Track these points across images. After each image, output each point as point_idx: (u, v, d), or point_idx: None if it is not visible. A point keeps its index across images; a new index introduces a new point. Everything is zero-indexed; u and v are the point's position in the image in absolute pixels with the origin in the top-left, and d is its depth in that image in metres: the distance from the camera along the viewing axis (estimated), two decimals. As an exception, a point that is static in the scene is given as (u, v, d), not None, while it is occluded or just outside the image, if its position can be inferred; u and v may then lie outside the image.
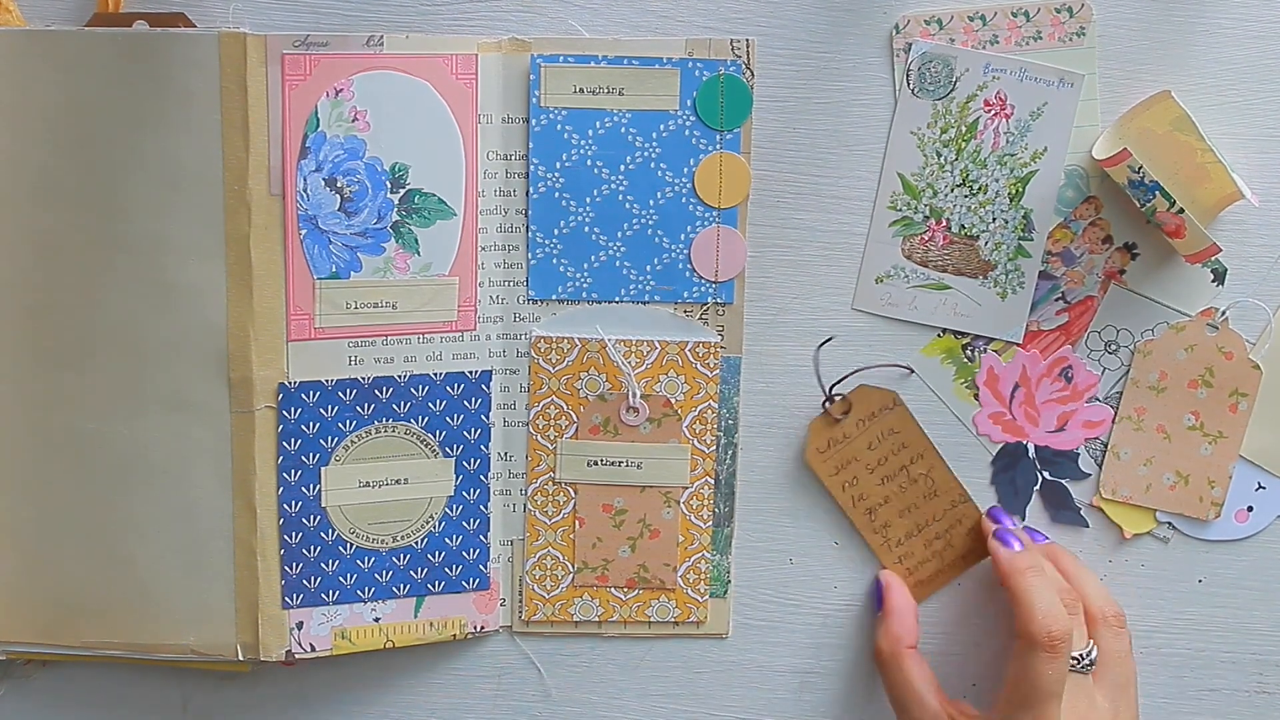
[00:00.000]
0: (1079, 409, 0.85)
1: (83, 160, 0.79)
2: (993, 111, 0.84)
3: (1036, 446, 0.86)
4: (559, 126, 0.83)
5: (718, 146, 0.83)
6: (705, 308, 0.85)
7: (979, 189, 0.85)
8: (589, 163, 0.83)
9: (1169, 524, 0.88)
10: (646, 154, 0.83)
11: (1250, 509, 0.87)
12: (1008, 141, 0.84)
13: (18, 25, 0.80)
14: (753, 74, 0.83)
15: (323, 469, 0.82)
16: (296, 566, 0.82)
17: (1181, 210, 0.79)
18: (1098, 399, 0.85)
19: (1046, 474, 0.86)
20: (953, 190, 0.85)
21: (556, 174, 0.83)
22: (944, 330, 0.86)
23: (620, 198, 0.83)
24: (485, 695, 0.87)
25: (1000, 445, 0.86)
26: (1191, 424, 0.86)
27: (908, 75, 0.84)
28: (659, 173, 0.83)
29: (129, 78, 0.78)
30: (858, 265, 0.85)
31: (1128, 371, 0.86)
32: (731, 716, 0.88)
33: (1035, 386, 0.84)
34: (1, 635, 0.82)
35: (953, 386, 0.86)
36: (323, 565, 0.82)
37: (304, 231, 0.80)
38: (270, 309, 0.81)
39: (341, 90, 0.80)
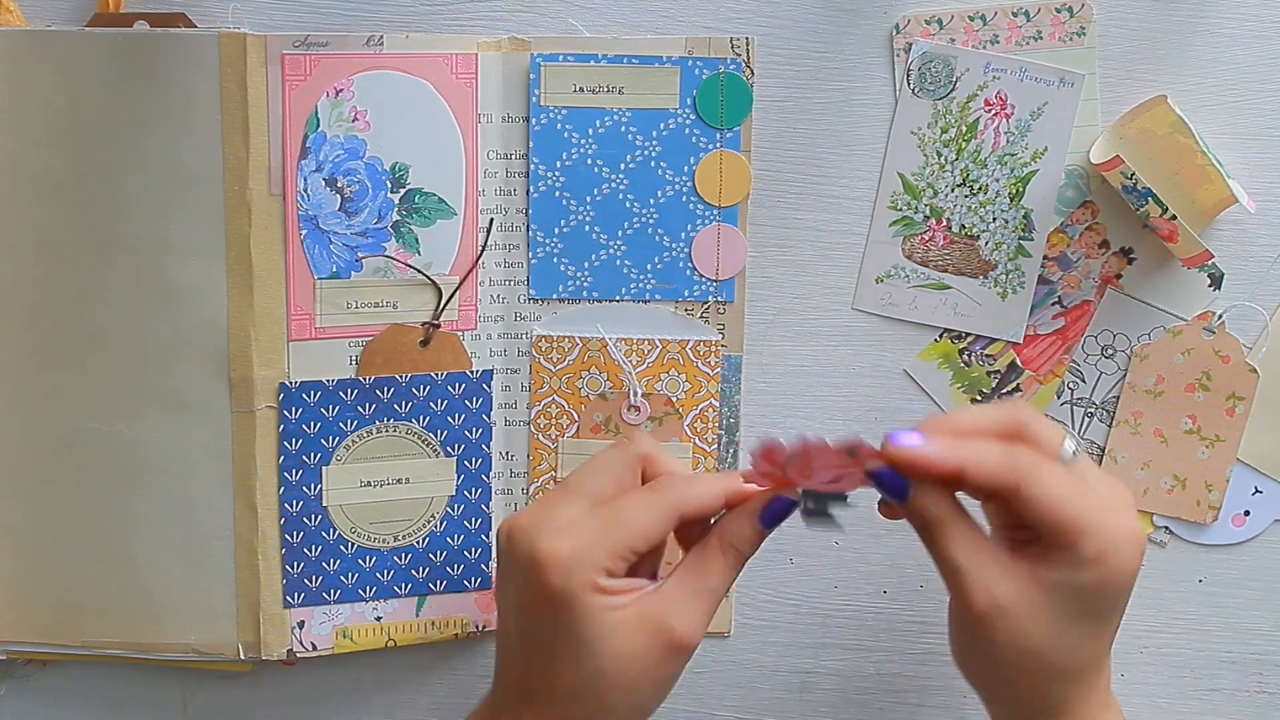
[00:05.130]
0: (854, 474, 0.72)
1: (83, 160, 0.79)
2: (993, 111, 0.84)
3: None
4: (559, 125, 0.83)
5: (718, 145, 0.83)
6: (706, 306, 0.85)
7: (979, 189, 0.85)
8: (589, 162, 0.83)
9: (1166, 528, 0.88)
10: (647, 153, 0.83)
11: (1247, 513, 0.87)
12: (1008, 141, 0.84)
13: (18, 25, 0.80)
14: (753, 72, 0.83)
15: (324, 468, 0.82)
16: (298, 566, 0.82)
17: (1174, 217, 0.80)
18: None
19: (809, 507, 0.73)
20: (953, 190, 0.85)
21: (557, 173, 0.83)
22: (942, 333, 0.86)
23: (620, 196, 0.84)
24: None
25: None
26: (1188, 428, 0.86)
27: (908, 75, 0.84)
28: (659, 171, 0.83)
29: (129, 78, 0.78)
30: (858, 265, 0.86)
31: (1124, 376, 0.86)
32: (731, 716, 0.88)
33: (817, 458, 0.71)
34: (2, 635, 0.82)
35: (950, 391, 0.86)
36: (324, 564, 0.82)
37: (304, 231, 0.81)
38: (271, 309, 0.81)
39: (342, 90, 0.80)
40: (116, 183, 0.79)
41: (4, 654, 0.83)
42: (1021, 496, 0.67)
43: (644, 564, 0.72)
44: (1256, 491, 0.87)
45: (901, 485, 0.69)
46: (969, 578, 0.69)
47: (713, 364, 0.85)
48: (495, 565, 0.76)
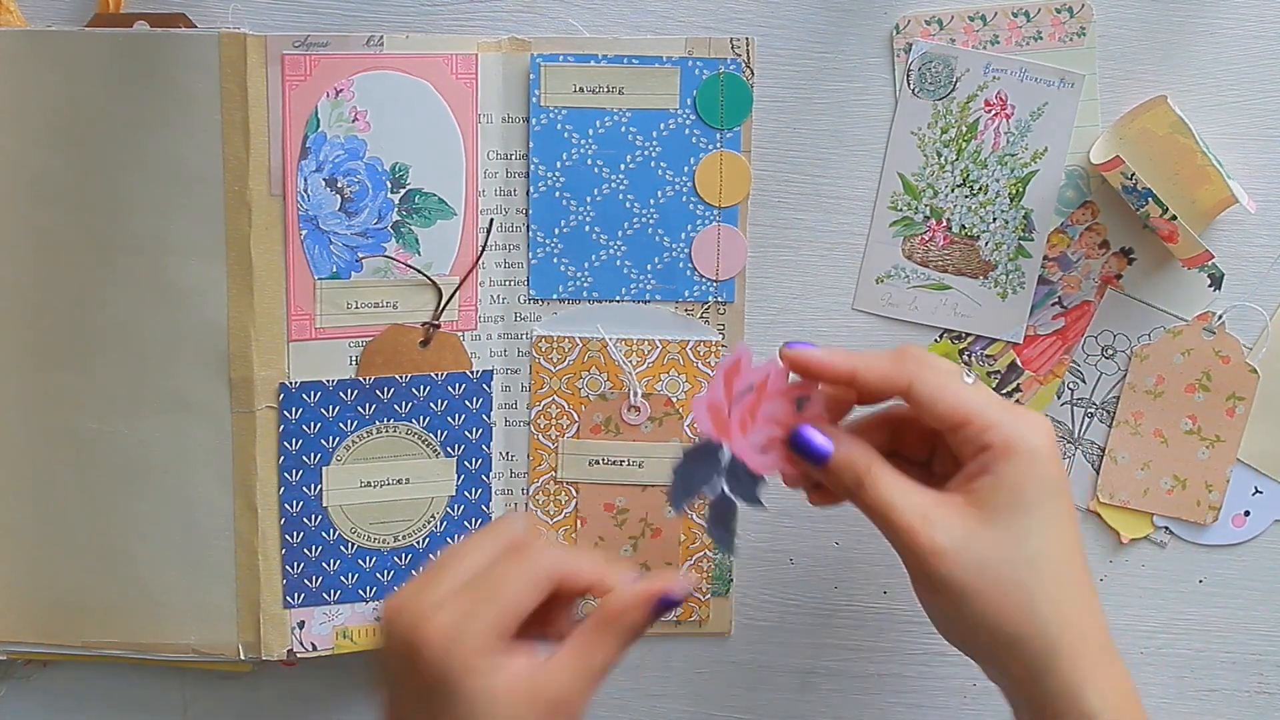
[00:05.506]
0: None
1: (83, 161, 0.79)
2: (993, 111, 0.84)
3: (733, 457, 0.72)
4: (559, 126, 0.83)
5: (718, 145, 0.83)
6: (706, 306, 0.85)
7: (979, 189, 0.85)
8: (589, 162, 0.83)
9: (1166, 528, 0.88)
10: (647, 153, 0.83)
11: (1247, 513, 0.87)
12: (1008, 141, 0.84)
13: (18, 25, 0.80)
14: (753, 72, 0.83)
15: (324, 469, 0.82)
16: (298, 566, 0.82)
17: (1174, 217, 0.80)
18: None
19: (726, 487, 0.72)
20: (953, 190, 0.85)
21: (557, 173, 0.83)
22: (942, 333, 0.86)
23: (620, 197, 0.84)
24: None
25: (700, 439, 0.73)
26: (1189, 428, 0.86)
27: (908, 75, 0.84)
28: (659, 172, 0.83)
29: (129, 78, 0.79)
30: (858, 265, 0.86)
31: (1124, 376, 0.86)
32: (732, 716, 0.88)
33: (767, 398, 0.73)
34: (2, 635, 0.82)
35: (950, 390, 0.86)
36: (324, 565, 0.82)
37: (304, 232, 0.81)
38: (271, 309, 0.81)
39: (342, 90, 0.80)
40: (117, 183, 0.79)
41: (4, 654, 0.83)
42: (915, 395, 0.69)
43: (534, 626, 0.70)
44: (1256, 492, 0.87)
45: (823, 448, 0.70)
46: (907, 518, 0.69)
47: (713, 364, 0.85)
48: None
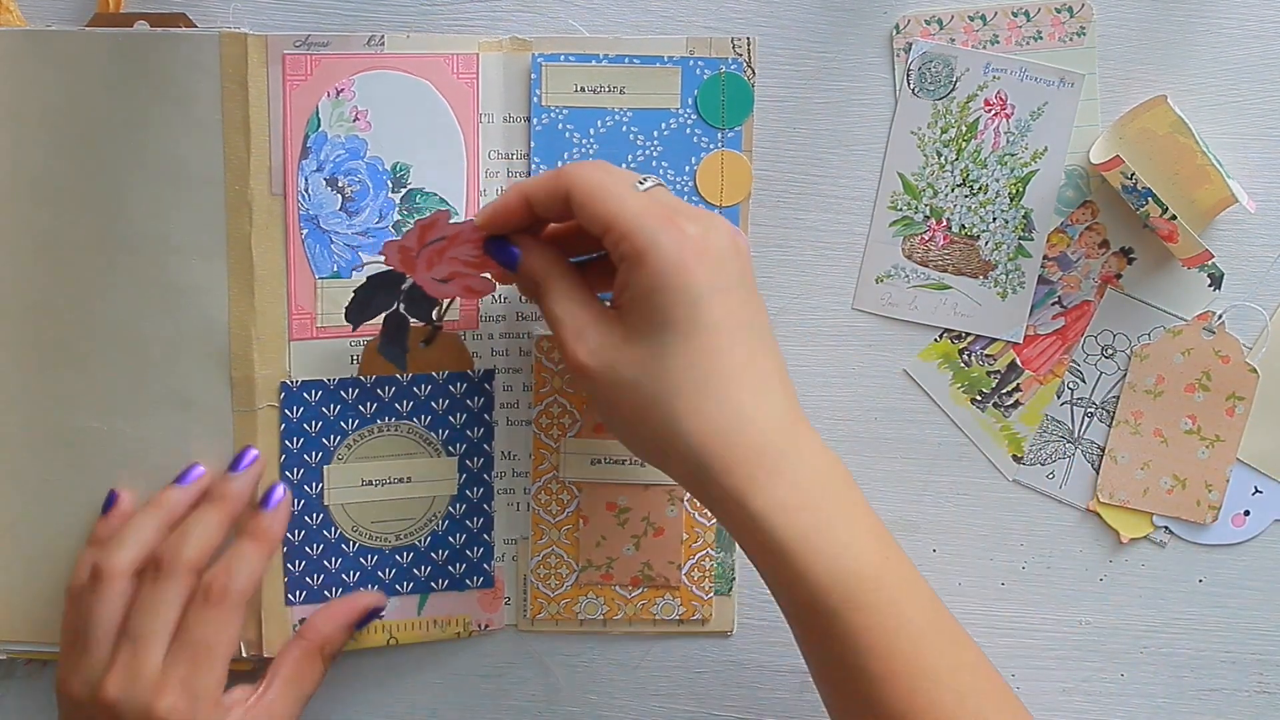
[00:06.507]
0: (471, 277, 0.77)
1: (84, 161, 0.79)
2: (993, 111, 0.84)
3: (414, 284, 0.78)
4: (560, 125, 0.83)
5: (719, 145, 0.83)
6: (707, 305, 0.85)
7: (979, 189, 0.85)
8: (590, 161, 0.83)
9: (1166, 528, 0.88)
10: (648, 152, 0.83)
11: (1247, 513, 0.87)
12: (1008, 141, 0.84)
13: (18, 25, 0.80)
14: (754, 72, 0.83)
15: (325, 468, 0.82)
16: (299, 564, 0.82)
17: (1174, 217, 0.80)
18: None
19: (403, 306, 0.81)
20: (953, 190, 0.85)
21: (558, 173, 0.83)
22: (942, 333, 0.86)
23: (622, 196, 0.83)
24: (486, 695, 0.87)
25: (384, 269, 0.80)
26: (1188, 428, 0.86)
27: (908, 75, 0.84)
28: (660, 171, 0.83)
29: (130, 78, 0.78)
30: (858, 265, 0.86)
31: (1124, 376, 0.86)
32: (732, 716, 0.88)
33: (459, 244, 0.77)
34: (3, 634, 0.82)
35: (950, 391, 0.86)
36: (325, 563, 0.82)
37: (305, 231, 0.81)
38: (272, 308, 0.81)
39: (342, 90, 0.80)
40: (117, 183, 0.79)
41: (5, 654, 0.83)
42: (574, 204, 0.70)
43: None
44: (1256, 491, 0.87)
45: (512, 253, 0.74)
46: (564, 332, 0.71)
47: (714, 363, 0.85)
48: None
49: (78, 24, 0.80)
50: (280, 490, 0.81)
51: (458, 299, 0.81)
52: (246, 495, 0.80)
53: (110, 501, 0.80)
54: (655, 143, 0.83)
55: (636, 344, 0.68)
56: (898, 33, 0.83)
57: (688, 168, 0.83)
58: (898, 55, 0.84)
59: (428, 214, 0.79)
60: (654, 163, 0.83)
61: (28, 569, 0.82)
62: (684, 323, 0.67)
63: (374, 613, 0.83)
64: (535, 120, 0.83)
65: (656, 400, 0.68)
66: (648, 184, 0.71)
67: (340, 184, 0.81)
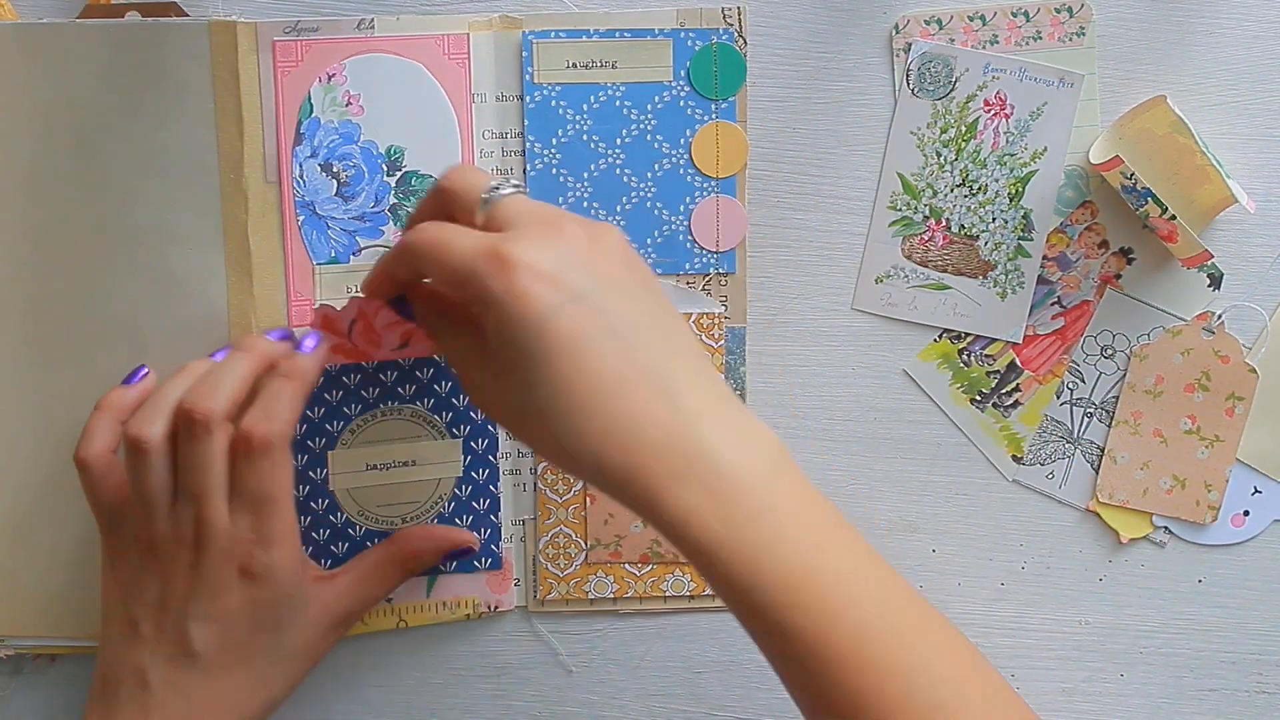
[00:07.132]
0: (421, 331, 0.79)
1: (78, 152, 0.79)
2: (992, 111, 0.82)
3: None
4: (553, 102, 0.81)
5: (713, 116, 0.82)
6: (707, 278, 0.83)
7: (979, 189, 0.83)
8: (585, 137, 0.82)
9: (1165, 528, 0.86)
10: (642, 126, 0.82)
11: (1247, 513, 0.86)
12: (1008, 141, 0.83)
13: (10, 19, 0.80)
14: (745, 42, 0.80)
15: (329, 453, 0.83)
16: (306, 549, 0.83)
17: (1174, 217, 0.78)
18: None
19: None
20: (953, 190, 0.83)
21: (553, 150, 0.82)
22: (942, 333, 0.85)
23: (618, 171, 0.82)
24: (485, 694, 0.87)
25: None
26: (1188, 428, 0.85)
27: (908, 75, 0.82)
28: (655, 145, 0.82)
29: (122, 69, 0.78)
30: (858, 265, 0.84)
31: (1124, 376, 0.85)
32: (731, 716, 0.89)
33: (373, 317, 0.78)
34: (10, 630, 0.83)
35: (949, 391, 0.85)
36: (332, 548, 0.84)
37: (301, 217, 0.81)
38: (271, 295, 0.81)
39: (334, 75, 0.79)
40: (111, 174, 0.79)
41: (12, 649, 0.84)
42: (420, 269, 0.71)
43: None
44: (1256, 491, 0.86)
45: (409, 309, 0.76)
46: (460, 374, 0.73)
47: (717, 336, 0.84)
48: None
49: (69, 17, 0.80)
50: (315, 338, 0.77)
51: None
52: (275, 353, 0.77)
53: (137, 374, 0.79)
54: (649, 116, 0.81)
55: (507, 380, 0.67)
56: (897, 33, 0.82)
57: (682, 140, 0.82)
58: (897, 55, 0.82)
59: (315, 317, 0.79)
60: (648, 136, 0.81)
61: (33, 563, 0.83)
62: (537, 351, 0.65)
63: (464, 552, 0.84)
64: (528, 98, 0.81)
65: (541, 428, 0.66)
66: (503, 190, 0.69)
67: (335, 169, 0.80)
